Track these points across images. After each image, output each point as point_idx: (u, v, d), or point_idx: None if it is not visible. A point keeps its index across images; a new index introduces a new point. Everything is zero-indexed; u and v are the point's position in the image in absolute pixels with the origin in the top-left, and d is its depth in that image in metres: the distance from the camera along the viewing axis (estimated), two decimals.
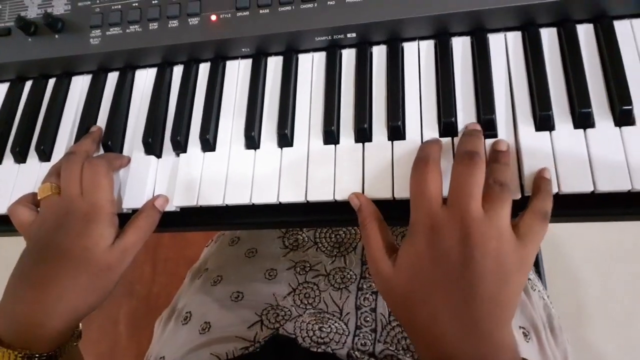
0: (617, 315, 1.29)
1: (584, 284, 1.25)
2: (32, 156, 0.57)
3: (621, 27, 0.46)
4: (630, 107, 0.43)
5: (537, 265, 1.16)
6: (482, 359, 0.39)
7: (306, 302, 0.63)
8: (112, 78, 0.59)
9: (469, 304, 0.39)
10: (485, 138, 0.45)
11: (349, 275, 0.65)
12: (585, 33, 0.48)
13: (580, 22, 0.48)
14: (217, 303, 0.66)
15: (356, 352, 0.56)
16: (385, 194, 0.46)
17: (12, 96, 0.60)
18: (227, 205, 0.50)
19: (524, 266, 0.41)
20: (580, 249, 1.29)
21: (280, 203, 0.49)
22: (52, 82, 0.60)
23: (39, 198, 0.51)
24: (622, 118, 0.43)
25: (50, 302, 0.47)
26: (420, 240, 0.42)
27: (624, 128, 0.43)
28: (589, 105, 0.44)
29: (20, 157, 0.57)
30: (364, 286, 0.64)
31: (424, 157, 0.44)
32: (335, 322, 0.60)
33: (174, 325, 0.68)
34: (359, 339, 0.58)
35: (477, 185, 0.41)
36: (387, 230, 0.45)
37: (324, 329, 0.59)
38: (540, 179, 0.43)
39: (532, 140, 0.44)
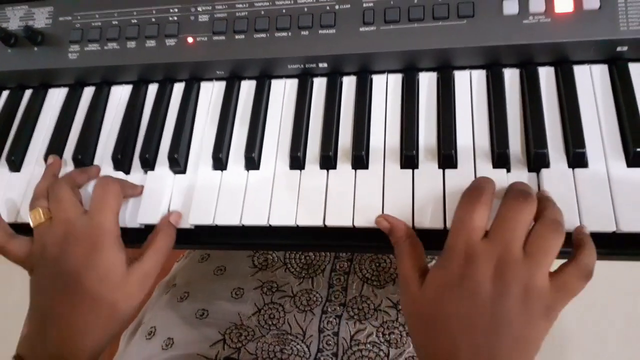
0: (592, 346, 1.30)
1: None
2: (3, 165, 0.57)
3: (580, 72, 0.48)
4: (583, 150, 0.44)
5: None
6: None
7: (270, 323, 0.64)
8: (88, 92, 0.60)
9: (490, 341, 0.38)
10: None
11: (314, 298, 0.66)
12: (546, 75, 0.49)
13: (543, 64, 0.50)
14: (182, 319, 0.66)
15: None
16: (346, 222, 0.47)
17: None
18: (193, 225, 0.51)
19: (551, 316, 0.39)
20: None
21: (243, 225, 0.50)
22: (28, 93, 0.61)
23: (32, 226, 0.49)
24: (575, 160, 0.44)
25: (76, 339, 0.46)
26: (453, 267, 0.40)
27: (576, 170, 0.44)
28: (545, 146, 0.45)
29: None
30: (329, 309, 0.64)
31: (480, 187, 0.42)
32: (298, 344, 0.61)
33: (138, 339, 0.68)
34: None
35: (524, 224, 0.40)
36: (421, 250, 0.44)
37: (285, 351, 0.59)
38: (581, 234, 0.42)
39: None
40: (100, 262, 0.46)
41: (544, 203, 0.41)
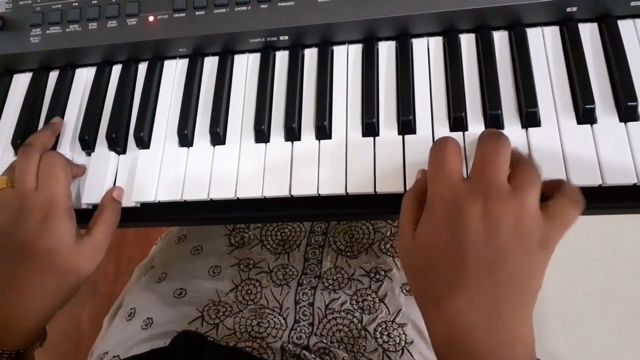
0: (572, 316, 1.32)
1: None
2: None
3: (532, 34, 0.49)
4: (535, 109, 0.45)
5: None
6: (496, 347, 0.37)
7: (248, 299, 0.65)
8: (53, 76, 0.60)
9: (488, 282, 0.37)
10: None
11: (290, 272, 0.67)
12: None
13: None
14: (160, 299, 0.67)
15: (289, 345, 0.58)
16: (312, 190, 0.48)
17: None
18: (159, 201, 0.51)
19: (548, 247, 0.38)
20: None
21: (211, 200, 0.51)
22: None
23: None
24: (528, 120, 0.45)
25: (21, 303, 0.47)
26: (439, 214, 0.39)
27: (529, 129, 0.46)
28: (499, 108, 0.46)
29: None
30: (304, 282, 0.65)
31: (444, 139, 0.42)
32: (275, 317, 0.62)
33: (119, 321, 0.69)
34: (295, 333, 0.60)
35: (504, 158, 0.39)
36: (422, 204, 0.42)
37: (262, 324, 0.60)
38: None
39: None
40: (51, 232, 0.47)
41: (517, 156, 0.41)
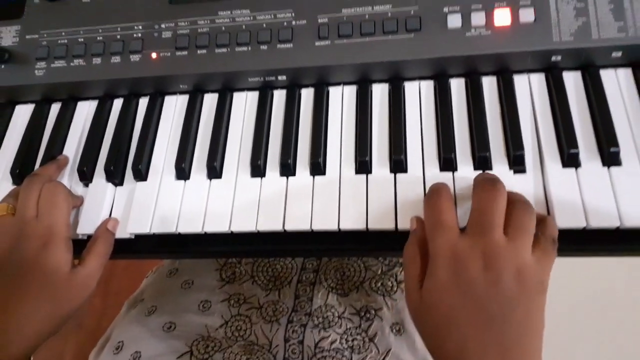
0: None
1: None
2: None
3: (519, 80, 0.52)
4: (521, 152, 0.47)
5: None
6: None
7: (237, 334, 0.64)
8: (55, 108, 0.61)
9: (497, 331, 0.39)
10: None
11: (280, 309, 0.67)
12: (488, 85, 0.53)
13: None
14: (149, 333, 0.66)
15: None
16: (305, 225, 0.49)
17: None
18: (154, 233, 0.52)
19: (543, 288, 0.40)
20: None
21: (205, 232, 0.51)
22: None
23: None
24: (515, 161, 0.47)
25: (13, 327, 0.47)
26: (443, 274, 0.41)
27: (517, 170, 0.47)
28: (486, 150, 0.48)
29: None
30: (294, 319, 0.65)
31: (436, 189, 0.44)
32: (264, 354, 0.62)
33: (105, 355, 0.68)
34: None
35: (500, 211, 0.41)
36: (422, 257, 0.44)
37: None
38: (539, 214, 0.44)
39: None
40: (48, 260, 0.48)
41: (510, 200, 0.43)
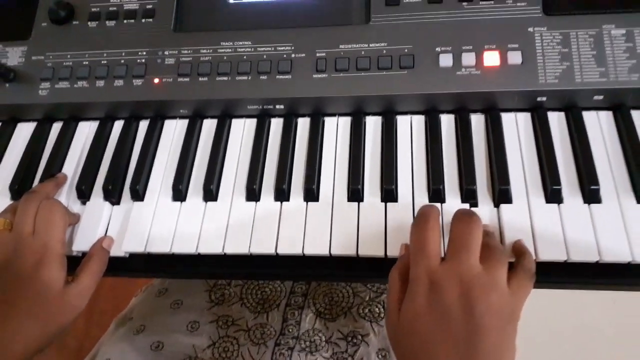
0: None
1: None
2: None
3: (506, 119, 0.55)
4: (507, 187, 0.49)
5: None
6: None
7: (224, 356, 0.65)
8: (56, 127, 0.63)
9: (469, 358, 0.40)
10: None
11: (268, 332, 0.68)
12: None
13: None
14: (136, 352, 0.67)
15: None
16: (297, 250, 0.51)
17: None
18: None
19: (515, 318, 0.42)
20: None
21: (199, 254, 0.52)
22: None
23: None
24: (500, 196, 0.49)
25: (5, 341, 0.47)
26: (420, 296, 0.42)
27: (501, 206, 0.49)
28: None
29: None
30: (282, 342, 0.66)
31: (425, 214, 0.45)
32: None
33: None
34: None
35: (476, 241, 0.43)
36: (406, 282, 0.45)
37: None
38: (521, 245, 0.47)
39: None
40: (42, 277, 0.48)
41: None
